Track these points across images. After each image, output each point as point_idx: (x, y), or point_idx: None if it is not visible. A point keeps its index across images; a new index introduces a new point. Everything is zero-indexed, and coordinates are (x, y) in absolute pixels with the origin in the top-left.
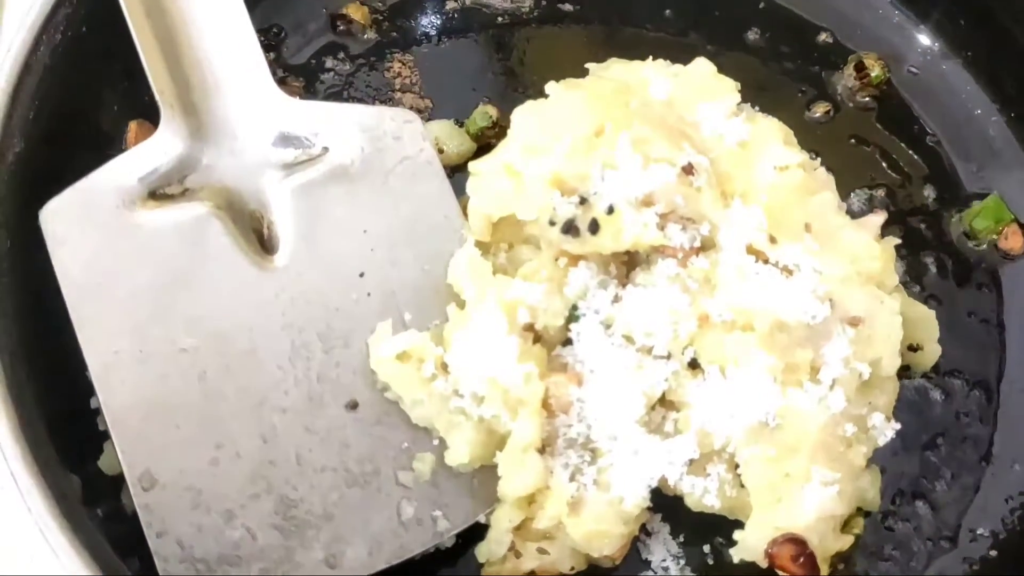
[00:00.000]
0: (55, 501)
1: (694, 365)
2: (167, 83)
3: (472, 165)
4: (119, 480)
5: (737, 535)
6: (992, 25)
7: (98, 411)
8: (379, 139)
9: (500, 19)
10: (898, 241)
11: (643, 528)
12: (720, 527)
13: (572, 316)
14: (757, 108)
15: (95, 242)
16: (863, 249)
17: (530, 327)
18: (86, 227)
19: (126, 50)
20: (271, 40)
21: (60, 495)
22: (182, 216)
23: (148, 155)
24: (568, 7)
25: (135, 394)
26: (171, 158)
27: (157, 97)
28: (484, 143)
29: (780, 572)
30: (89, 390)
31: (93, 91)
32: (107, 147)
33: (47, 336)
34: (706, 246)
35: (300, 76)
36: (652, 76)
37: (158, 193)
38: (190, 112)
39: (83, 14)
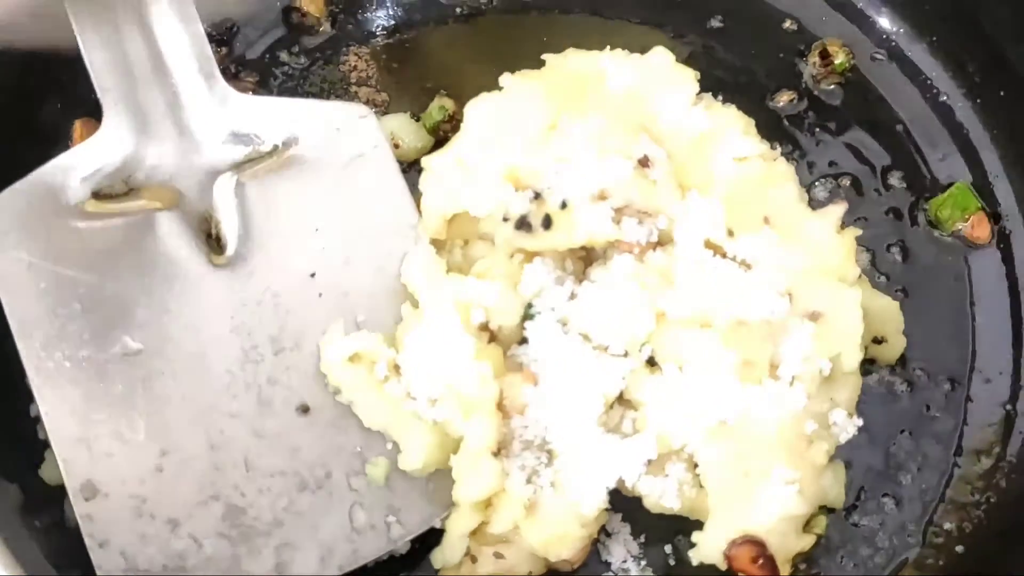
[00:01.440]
0: None
1: (652, 363)
2: (110, 79)
3: (425, 160)
4: (62, 490)
5: (696, 537)
6: (957, 9)
7: (39, 419)
8: (332, 135)
9: (459, 10)
10: (859, 232)
11: (603, 529)
12: (682, 526)
13: (527, 314)
14: (720, 98)
15: (35, 244)
16: (823, 241)
17: (485, 327)
18: (25, 229)
19: (68, 45)
20: (223, 35)
21: None
22: (127, 217)
23: (91, 154)
24: None
25: (76, 401)
26: (115, 158)
27: (99, 94)
28: (441, 137)
29: (740, 574)
30: (29, 397)
31: (35, 88)
32: (51, 146)
33: None
34: (664, 241)
35: (254, 71)
36: (610, 66)
37: (102, 193)
38: (134, 110)
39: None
